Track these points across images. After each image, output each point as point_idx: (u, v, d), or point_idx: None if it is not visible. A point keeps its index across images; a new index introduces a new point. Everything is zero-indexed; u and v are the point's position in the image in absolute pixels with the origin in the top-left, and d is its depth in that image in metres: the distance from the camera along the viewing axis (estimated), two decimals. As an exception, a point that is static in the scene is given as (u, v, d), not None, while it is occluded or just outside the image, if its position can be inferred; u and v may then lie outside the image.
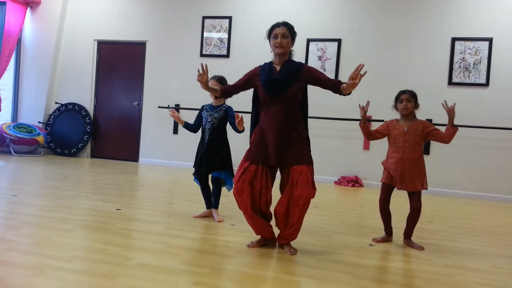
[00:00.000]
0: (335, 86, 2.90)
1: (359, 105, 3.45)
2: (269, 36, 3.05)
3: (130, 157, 8.18)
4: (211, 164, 3.78)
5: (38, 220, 3.45)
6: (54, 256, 2.59)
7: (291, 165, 2.92)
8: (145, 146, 8.08)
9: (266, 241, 3.14)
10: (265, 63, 3.10)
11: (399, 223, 3.65)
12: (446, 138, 3.30)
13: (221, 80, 3.76)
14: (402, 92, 3.40)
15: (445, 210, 5.16)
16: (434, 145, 6.51)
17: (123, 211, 3.95)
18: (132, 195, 4.91)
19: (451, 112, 3.27)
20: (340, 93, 2.89)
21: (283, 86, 2.95)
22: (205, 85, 3.07)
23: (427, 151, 6.56)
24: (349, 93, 2.86)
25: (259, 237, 3.16)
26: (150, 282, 2.28)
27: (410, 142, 3.33)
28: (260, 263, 2.77)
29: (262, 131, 3.02)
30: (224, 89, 3.21)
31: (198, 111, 3.97)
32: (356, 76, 2.73)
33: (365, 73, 2.77)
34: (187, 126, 3.96)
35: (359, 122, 3.50)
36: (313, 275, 2.57)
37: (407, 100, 3.36)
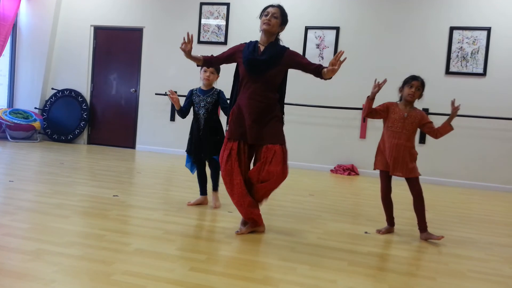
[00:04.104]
0: (316, 70, 2.96)
1: (375, 80, 3.35)
2: (260, 15, 3.09)
3: (127, 143, 8.16)
4: (209, 148, 3.77)
5: (35, 206, 3.46)
6: (52, 242, 2.61)
7: (265, 143, 2.99)
8: (142, 133, 8.06)
9: (254, 228, 3.16)
10: (251, 41, 3.13)
11: (395, 212, 3.67)
12: (439, 134, 3.33)
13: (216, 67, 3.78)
14: (415, 78, 3.29)
15: (440, 199, 5.20)
16: (431, 134, 6.52)
17: (120, 198, 3.96)
18: (129, 181, 4.92)
19: (455, 112, 3.27)
20: (321, 77, 2.96)
21: (264, 67, 3.00)
22: (187, 54, 3.12)
23: (423, 140, 6.58)
24: (330, 78, 2.93)
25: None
26: (147, 268, 2.30)
27: (407, 129, 3.31)
28: (257, 249, 2.79)
29: (239, 109, 3.07)
30: (206, 59, 3.26)
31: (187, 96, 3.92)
32: (336, 63, 2.80)
33: (344, 59, 2.83)
34: (181, 111, 3.87)
35: (367, 96, 3.39)
36: (309, 262, 2.59)
37: (417, 88, 3.28)
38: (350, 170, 6.78)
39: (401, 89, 3.38)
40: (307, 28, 7.03)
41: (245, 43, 3.16)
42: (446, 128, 3.30)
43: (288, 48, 3.10)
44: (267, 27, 3.00)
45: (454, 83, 6.52)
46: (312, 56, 6.97)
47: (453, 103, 3.32)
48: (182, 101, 3.79)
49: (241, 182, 3.01)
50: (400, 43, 6.77)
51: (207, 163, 3.93)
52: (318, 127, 7.10)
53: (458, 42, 6.53)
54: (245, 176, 3.07)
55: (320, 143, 7.09)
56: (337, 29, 6.97)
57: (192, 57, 3.17)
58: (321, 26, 7.02)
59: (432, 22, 6.64)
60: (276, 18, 3.01)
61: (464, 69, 6.52)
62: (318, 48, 7.01)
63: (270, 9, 3.02)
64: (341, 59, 2.80)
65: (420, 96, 3.34)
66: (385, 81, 3.31)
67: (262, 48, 3.06)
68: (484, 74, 6.45)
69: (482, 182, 6.45)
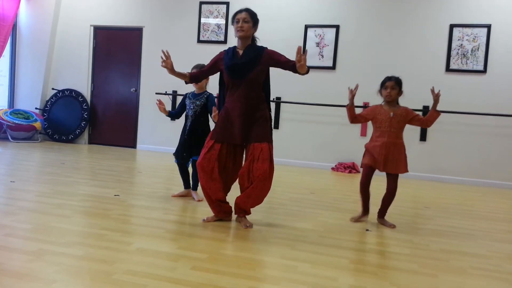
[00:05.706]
0: (294, 67, 3.04)
1: (348, 88, 3.54)
2: (232, 22, 3.19)
3: (127, 143, 8.17)
4: (192, 149, 3.94)
5: (37, 206, 3.47)
6: (53, 242, 2.61)
7: (252, 142, 3.11)
8: (143, 133, 8.06)
9: (222, 217, 3.33)
10: (229, 48, 3.25)
11: (395, 210, 3.68)
12: (429, 122, 3.51)
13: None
14: (388, 79, 3.47)
15: (442, 196, 5.19)
16: (432, 132, 6.52)
17: (121, 197, 3.97)
18: (130, 181, 4.92)
19: (438, 98, 3.43)
20: (299, 73, 3.04)
21: (245, 70, 3.11)
22: (170, 70, 3.21)
23: (423, 137, 6.57)
24: (305, 73, 3.00)
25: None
26: (148, 267, 2.30)
27: (395, 127, 3.45)
28: (258, 248, 2.79)
29: (227, 112, 3.18)
30: (192, 75, 3.38)
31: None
32: (300, 59, 2.88)
33: (305, 51, 2.96)
34: (169, 114, 4.14)
35: (346, 105, 3.59)
36: (310, 260, 2.59)
37: (391, 87, 3.43)
38: (351, 168, 6.78)
39: (379, 92, 3.54)
40: (306, 27, 7.02)
41: (224, 50, 3.27)
42: (433, 115, 3.47)
43: (266, 48, 3.21)
44: (242, 33, 3.13)
45: (454, 80, 6.51)
46: (312, 54, 6.95)
47: (432, 90, 3.46)
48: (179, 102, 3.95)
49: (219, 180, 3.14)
50: (400, 41, 6.76)
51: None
52: (318, 125, 7.09)
53: (458, 40, 6.52)
54: (227, 177, 3.22)
55: (320, 141, 7.09)
56: (337, 27, 6.96)
57: (177, 73, 3.26)
58: (321, 24, 7.01)
59: (432, 20, 6.63)
60: (247, 22, 3.12)
61: (465, 66, 6.52)
62: (318, 46, 7.00)
63: (238, 16, 3.14)
64: (302, 53, 2.88)
65: (398, 93, 3.48)
66: (357, 86, 3.50)
67: (240, 52, 3.18)
68: (484, 71, 6.44)
69: (484, 179, 6.44)
